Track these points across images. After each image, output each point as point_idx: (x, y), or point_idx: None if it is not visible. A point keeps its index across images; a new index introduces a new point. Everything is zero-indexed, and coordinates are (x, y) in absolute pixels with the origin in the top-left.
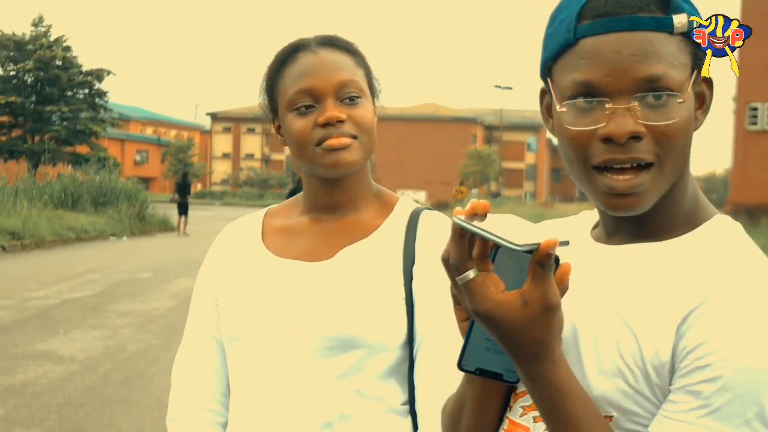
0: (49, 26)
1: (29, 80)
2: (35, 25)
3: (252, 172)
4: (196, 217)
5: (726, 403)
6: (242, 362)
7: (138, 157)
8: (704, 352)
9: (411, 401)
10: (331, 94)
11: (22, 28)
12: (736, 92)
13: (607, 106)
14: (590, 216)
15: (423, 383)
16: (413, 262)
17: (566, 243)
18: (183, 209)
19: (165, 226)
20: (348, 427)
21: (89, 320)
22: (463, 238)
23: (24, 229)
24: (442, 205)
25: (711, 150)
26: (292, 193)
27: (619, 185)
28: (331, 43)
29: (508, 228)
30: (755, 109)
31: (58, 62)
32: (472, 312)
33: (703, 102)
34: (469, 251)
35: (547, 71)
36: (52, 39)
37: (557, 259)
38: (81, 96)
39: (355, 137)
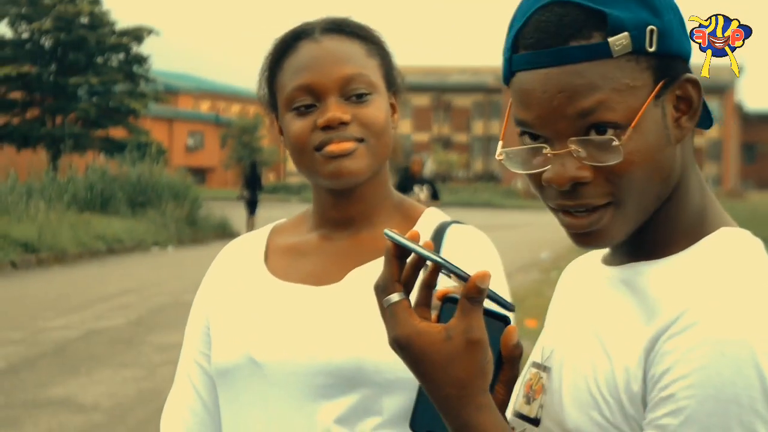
0: None
1: (47, 44)
2: None
3: None
4: (267, 219)
5: None
6: (231, 402)
7: (190, 141)
8: (668, 381)
9: None
10: (334, 91)
11: None
12: None
13: (544, 151)
14: None
15: None
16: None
17: (511, 306)
18: (252, 208)
19: (223, 232)
20: None
21: (119, 356)
22: (395, 257)
23: (40, 239)
24: None
25: None
26: (400, 186)
27: (575, 224)
28: (339, 29)
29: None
30: None
31: (84, 20)
32: (391, 340)
33: (689, 106)
34: (403, 273)
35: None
36: None
37: (507, 320)
38: (115, 63)
39: (361, 140)
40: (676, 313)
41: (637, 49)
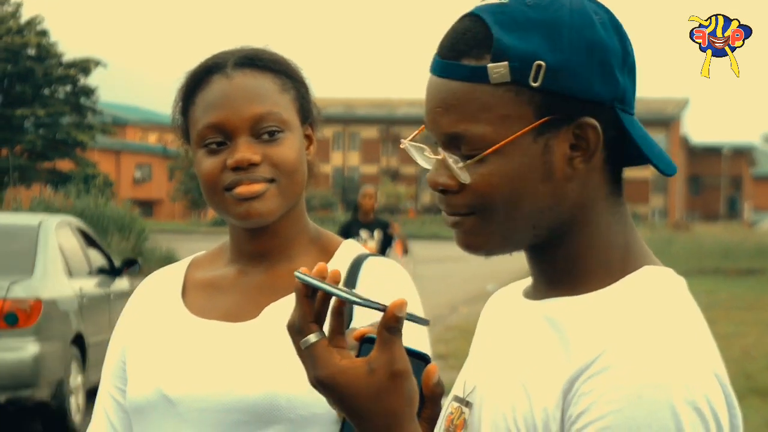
0: (19, 4)
1: None
2: (0, 3)
3: None
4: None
5: None
6: None
7: (138, 174)
8: (584, 423)
9: None
10: (244, 131)
11: None
12: None
13: (425, 153)
14: None
15: None
16: (351, 319)
17: (426, 322)
18: None
19: (169, 264)
20: None
21: None
22: (306, 297)
23: None
24: None
25: None
26: (342, 231)
27: (447, 220)
28: (252, 63)
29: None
30: None
31: (32, 51)
32: (314, 381)
33: (586, 149)
34: (316, 313)
35: None
36: (23, 21)
37: (427, 358)
38: (62, 95)
39: (272, 180)
40: (594, 353)
41: (518, 81)
